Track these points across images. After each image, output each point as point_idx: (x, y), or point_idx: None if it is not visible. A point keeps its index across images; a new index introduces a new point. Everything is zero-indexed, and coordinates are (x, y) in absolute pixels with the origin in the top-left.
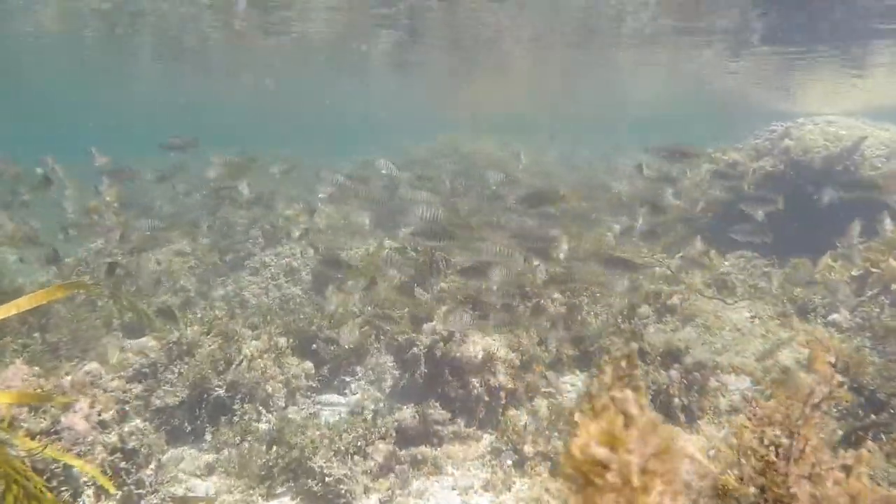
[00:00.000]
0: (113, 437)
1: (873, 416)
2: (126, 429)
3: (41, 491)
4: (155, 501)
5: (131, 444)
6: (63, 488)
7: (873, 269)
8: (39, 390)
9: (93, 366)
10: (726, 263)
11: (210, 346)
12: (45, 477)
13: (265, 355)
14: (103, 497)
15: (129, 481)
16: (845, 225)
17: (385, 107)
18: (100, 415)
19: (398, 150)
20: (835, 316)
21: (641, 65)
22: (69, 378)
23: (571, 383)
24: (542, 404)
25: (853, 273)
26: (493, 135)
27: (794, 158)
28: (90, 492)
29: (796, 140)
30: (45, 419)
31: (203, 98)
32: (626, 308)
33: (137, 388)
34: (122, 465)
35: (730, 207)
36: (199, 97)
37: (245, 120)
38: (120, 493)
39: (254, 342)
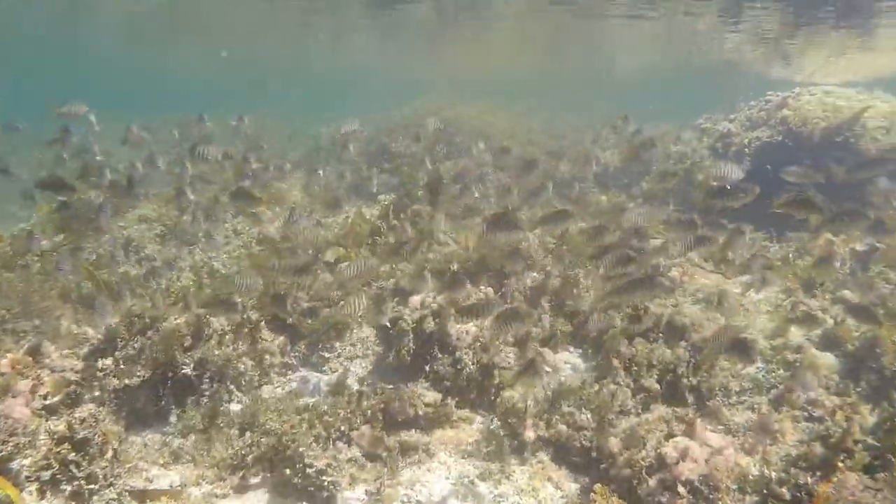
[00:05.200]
0: (61, 425)
1: None
2: (77, 414)
3: None
4: (111, 496)
5: (83, 433)
6: None
7: (878, 245)
8: None
9: (39, 342)
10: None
11: (176, 319)
12: None
13: (237, 330)
14: (48, 493)
15: (78, 475)
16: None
17: (362, 69)
18: (45, 399)
19: (376, 114)
20: (845, 292)
21: (633, 21)
22: (10, 356)
23: (566, 360)
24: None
25: (857, 248)
26: (475, 100)
27: (792, 129)
28: (33, 487)
29: (794, 110)
30: None
31: (167, 61)
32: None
33: (92, 367)
34: (72, 456)
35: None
36: (163, 61)
37: (213, 83)
38: (69, 488)
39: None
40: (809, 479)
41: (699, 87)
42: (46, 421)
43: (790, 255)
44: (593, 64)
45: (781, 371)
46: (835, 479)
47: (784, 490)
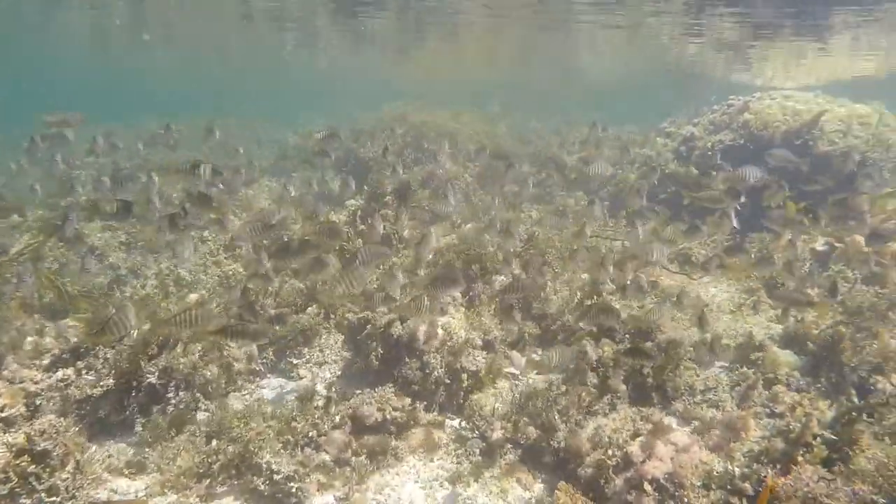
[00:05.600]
0: (19, 437)
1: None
2: (37, 426)
3: None
4: None
5: (43, 445)
6: None
7: (837, 244)
8: None
9: None
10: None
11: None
12: None
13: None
14: None
15: (39, 488)
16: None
17: (333, 73)
18: (2, 411)
19: (344, 118)
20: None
21: (599, 29)
22: None
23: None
24: (506, 386)
25: (816, 247)
26: (444, 105)
27: (753, 133)
28: None
29: (755, 114)
30: None
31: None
32: (587, 284)
33: (54, 378)
34: (31, 468)
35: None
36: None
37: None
38: (28, 502)
39: None
40: (771, 473)
41: (667, 90)
42: (4, 433)
43: (752, 255)
44: (562, 67)
45: (745, 369)
46: (794, 473)
47: (747, 485)
